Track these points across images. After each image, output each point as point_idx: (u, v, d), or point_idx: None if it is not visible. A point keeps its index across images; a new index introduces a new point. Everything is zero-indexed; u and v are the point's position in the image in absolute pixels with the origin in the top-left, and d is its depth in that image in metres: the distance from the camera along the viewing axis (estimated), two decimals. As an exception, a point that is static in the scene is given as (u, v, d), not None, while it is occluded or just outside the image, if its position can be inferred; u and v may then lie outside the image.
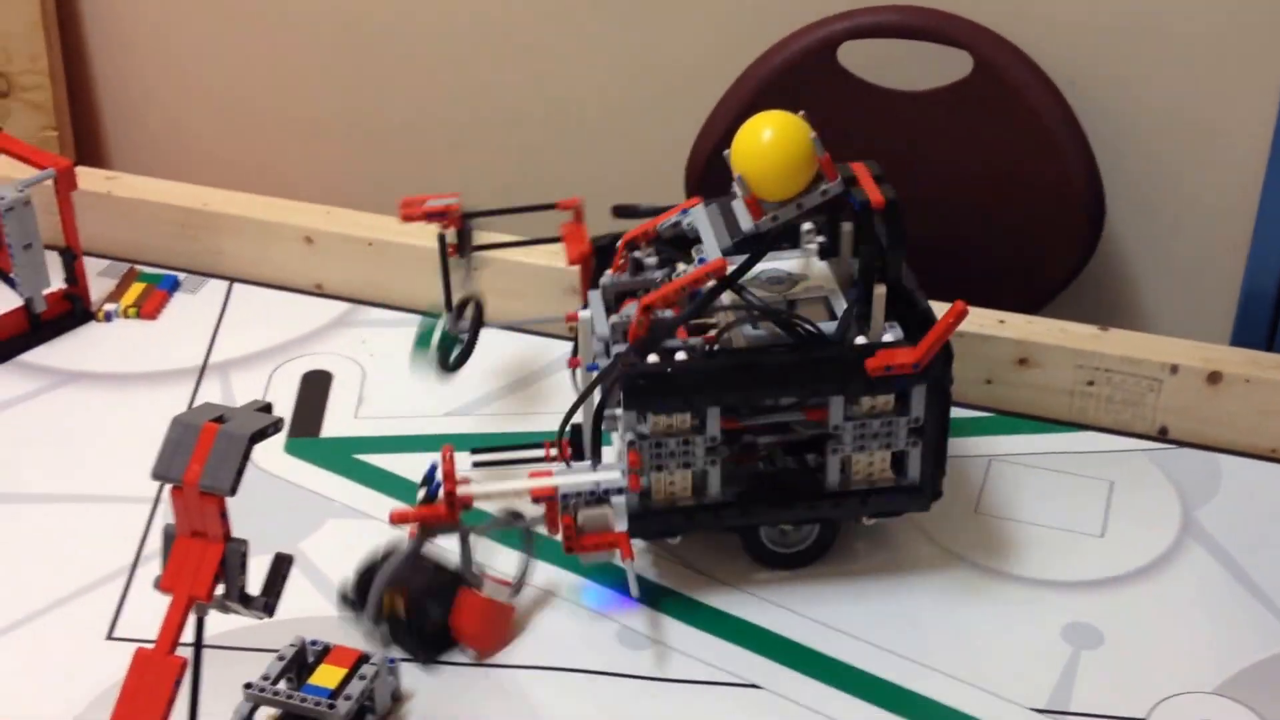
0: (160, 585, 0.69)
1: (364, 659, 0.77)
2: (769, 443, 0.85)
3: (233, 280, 1.18)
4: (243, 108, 1.74)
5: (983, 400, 1.02)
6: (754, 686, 0.81)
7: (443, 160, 1.66)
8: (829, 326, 0.83)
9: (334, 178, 1.73)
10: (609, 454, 0.85)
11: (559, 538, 0.83)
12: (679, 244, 0.89)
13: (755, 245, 0.82)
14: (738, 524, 0.85)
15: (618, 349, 0.83)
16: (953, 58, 1.34)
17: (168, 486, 0.70)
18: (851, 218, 0.87)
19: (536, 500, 0.82)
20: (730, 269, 0.81)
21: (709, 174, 1.38)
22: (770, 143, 0.80)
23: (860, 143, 1.37)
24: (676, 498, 0.84)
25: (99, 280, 1.15)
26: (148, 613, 0.85)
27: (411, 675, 0.81)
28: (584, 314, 0.88)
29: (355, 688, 0.75)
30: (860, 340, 0.82)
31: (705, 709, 0.80)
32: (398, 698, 0.79)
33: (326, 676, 0.76)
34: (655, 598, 0.86)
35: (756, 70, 1.37)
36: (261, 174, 1.74)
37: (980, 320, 1.02)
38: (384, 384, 1.06)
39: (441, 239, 0.94)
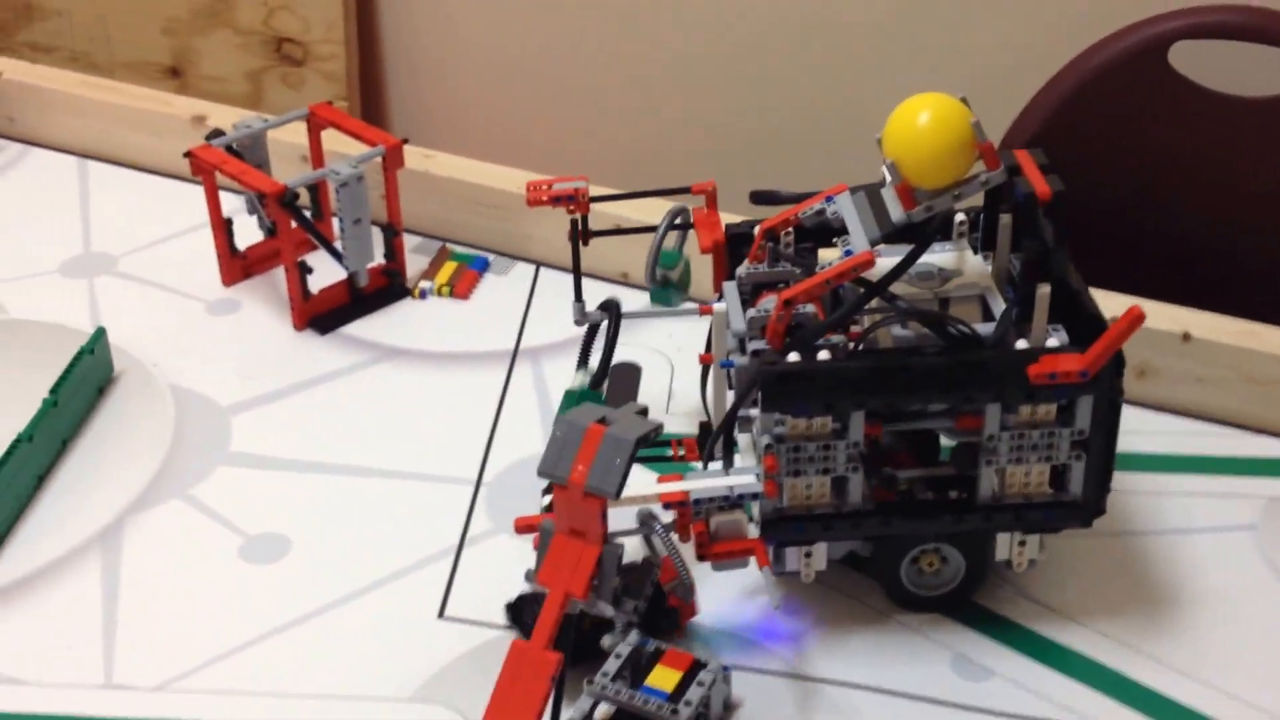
0: (538, 579, 0.69)
1: (699, 664, 0.77)
2: (912, 478, 0.81)
3: (540, 264, 1.19)
4: (524, 85, 1.76)
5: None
6: (1098, 729, 0.78)
7: (728, 141, 1.66)
8: (985, 328, 0.78)
9: (622, 160, 1.73)
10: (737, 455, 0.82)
11: (690, 544, 0.80)
12: (822, 234, 0.85)
13: (908, 237, 0.77)
14: (878, 534, 0.81)
15: (754, 345, 0.79)
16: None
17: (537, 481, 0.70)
18: (1013, 209, 0.82)
19: (667, 506, 0.79)
20: (877, 261, 0.77)
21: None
22: (927, 127, 0.75)
23: (1189, 149, 1.32)
24: (813, 505, 0.80)
25: (412, 257, 1.18)
26: (476, 595, 0.87)
27: (740, 683, 0.80)
28: (718, 307, 0.84)
29: (695, 694, 0.75)
30: (1020, 344, 0.77)
31: (1047, 749, 0.77)
32: (729, 705, 0.79)
33: (663, 679, 0.76)
34: (995, 627, 0.84)
35: (1079, 66, 1.32)
36: (539, 153, 1.76)
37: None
38: (691, 378, 1.05)
39: (574, 224, 0.92)
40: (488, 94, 1.80)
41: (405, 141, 1.12)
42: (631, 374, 1.05)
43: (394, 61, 1.85)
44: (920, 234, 0.78)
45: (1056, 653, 0.82)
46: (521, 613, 0.80)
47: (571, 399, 0.92)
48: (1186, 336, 0.99)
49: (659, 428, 0.69)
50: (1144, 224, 1.35)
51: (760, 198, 0.89)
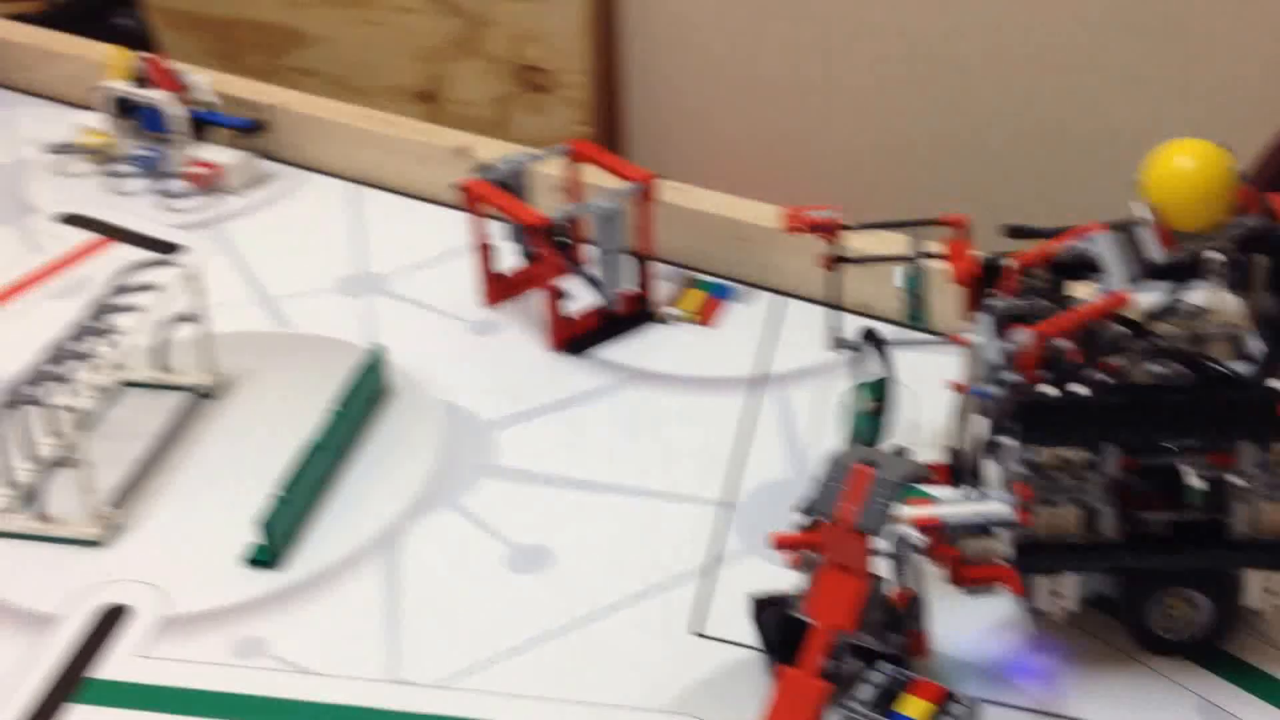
0: (804, 611, 0.74)
1: (950, 696, 0.80)
2: (1160, 521, 0.83)
3: (782, 294, 1.23)
4: (759, 117, 1.81)
5: None
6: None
7: (975, 174, 1.67)
8: (1239, 367, 0.80)
9: (859, 193, 1.76)
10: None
11: (941, 568, 0.83)
12: (1076, 269, 0.87)
13: (1165, 276, 0.80)
14: (1129, 566, 0.83)
15: (1008, 375, 0.82)
16: None
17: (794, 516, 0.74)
18: (1269, 251, 0.83)
19: (920, 530, 0.82)
20: (1133, 299, 0.80)
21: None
22: (1191, 171, 0.78)
23: None
24: (1065, 534, 0.82)
25: (660, 284, 1.23)
26: (727, 615, 0.91)
27: (990, 717, 0.83)
28: (972, 337, 0.87)
29: (947, 727, 0.78)
30: (1275, 384, 0.79)
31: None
32: (980, 739, 0.82)
33: (914, 708, 0.79)
34: (1242, 674, 0.85)
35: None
36: (777, 184, 1.80)
37: None
38: (932, 407, 1.07)
39: (832, 254, 0.96)
40: (724, 126, 1.85)
41: (659, 177, 1.17)
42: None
43: (634, 92, 1.91)
44: (1179, 274, 0.80)
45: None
46: (761, 612, 0.85)
47: (862, 420, 0.97)
48: None
49: (923, 468, 0.72)
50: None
51: (1014, 232, 0.92)
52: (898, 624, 0.76)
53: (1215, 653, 0.85)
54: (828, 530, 0.73)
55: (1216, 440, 0.80)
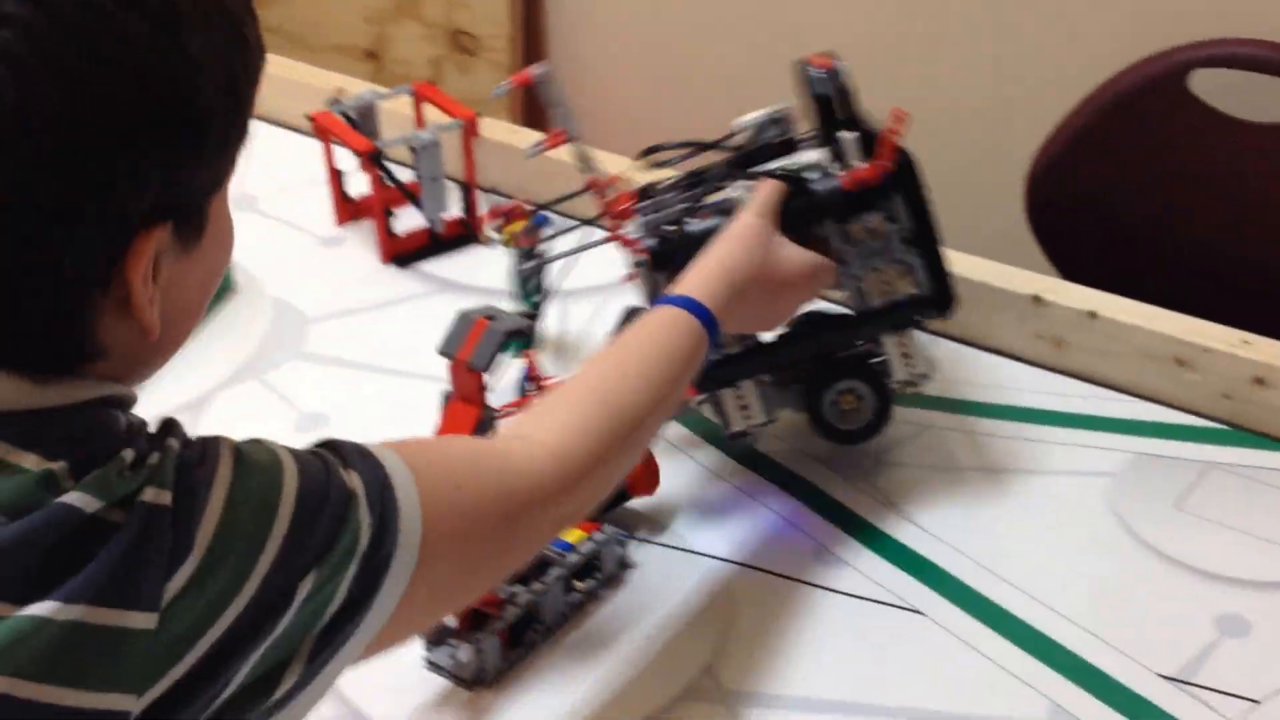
0: (438, 434, 0.92)
1: (601, 530, 0.97)
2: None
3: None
4: (669, 89, 1.97)
5: (1219, 413, 1.10)
6: (917, 612, 0.95)
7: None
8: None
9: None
10: None
11: None
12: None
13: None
14: (785, 361, 1.01)
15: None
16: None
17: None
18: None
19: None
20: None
21: (1046, 189, 1.48)
22: None
23: (1209, 172, 1.43)
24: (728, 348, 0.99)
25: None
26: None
27: (641, 552, 1.00)
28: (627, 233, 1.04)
29: (585, 546, 0.95)
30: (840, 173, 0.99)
31: (870, 623, 0.95)
32: (626, 565, 0.98)
33: (570, 535, 0.96)
34: (850, 524, 1.02)
35: (1104, 92, 1.46)
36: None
37: (1226, 338, 1.10)
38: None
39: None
40: (634, 94, 2.02)
41: (480, 115, 1.35)
42: None
43: (556, 57, 2.08)
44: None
45: (894, 548, 0.99)
46: None
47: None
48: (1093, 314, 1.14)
49: (526, 323, 0.90)
50: (1161, 232, 1.48)
51: (647, 152, 1.13)
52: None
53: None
54: (453, 368, 0.90)
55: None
